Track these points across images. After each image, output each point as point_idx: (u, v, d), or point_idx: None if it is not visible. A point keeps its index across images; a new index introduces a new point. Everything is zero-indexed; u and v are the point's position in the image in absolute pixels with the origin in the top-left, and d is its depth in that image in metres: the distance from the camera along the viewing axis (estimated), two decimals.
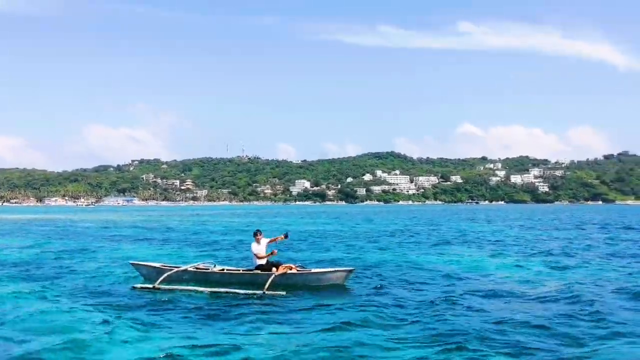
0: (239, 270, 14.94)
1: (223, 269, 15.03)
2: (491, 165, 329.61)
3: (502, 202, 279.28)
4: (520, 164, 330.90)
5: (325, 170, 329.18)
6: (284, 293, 12.77)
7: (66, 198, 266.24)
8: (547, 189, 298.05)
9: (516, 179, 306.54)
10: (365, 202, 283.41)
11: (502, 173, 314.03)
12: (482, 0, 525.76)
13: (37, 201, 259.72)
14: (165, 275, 13.97)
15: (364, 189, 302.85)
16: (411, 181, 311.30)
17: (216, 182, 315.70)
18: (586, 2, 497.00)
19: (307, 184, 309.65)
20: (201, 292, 13.06)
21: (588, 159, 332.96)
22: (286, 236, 14.88)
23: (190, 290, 13.19)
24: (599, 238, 32.76)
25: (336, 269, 14.85)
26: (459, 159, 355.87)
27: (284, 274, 13.87)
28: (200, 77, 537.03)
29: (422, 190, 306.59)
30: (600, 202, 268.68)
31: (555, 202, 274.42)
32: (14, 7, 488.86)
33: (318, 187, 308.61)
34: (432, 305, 11.62)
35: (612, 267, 18.22)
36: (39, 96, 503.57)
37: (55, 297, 12.66)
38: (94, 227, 47.87)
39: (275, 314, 10.93)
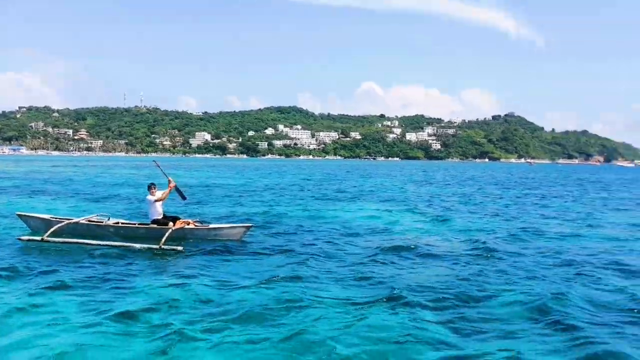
0: (135, 224, 14.70)
1: (117, 222, 14.62)
2: (389, 123, 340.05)
3: (398, 159, 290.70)
4: (416, 123, 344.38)
5: (227, 123, 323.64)
6: (181, 248, 12.60)
7: None
8: (439, 147, 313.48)
9: (411, 136, 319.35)
10: (266, 156, 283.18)
11: (398, 131, 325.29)
12: None
13: None
14: (56, 227, 13.42)
15: (266, 143, 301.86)
16: (312, 136, 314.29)
17: (112, 133, 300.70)
18: None
19: (208, 137, 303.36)
20: (94, 245, 12.70)
21: (478, 119, 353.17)
22: (179, 191, 14.76)
23: (82, 244, 12.77)
24: (495, 194, 35.46)
25: (234, 225, 15.03)
26: (359, 115, 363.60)
27: (181, 228, 13.85)
28: (98, 24, 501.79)
29: (323, 145, 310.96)
30: (486, 160, 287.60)
31: (447, 160, 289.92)
32: None
33: (219, 140, 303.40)
34: (325, 259, 12.19)
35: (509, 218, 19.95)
36: None
37: None
38: None
39: (172, 268, 10.93)
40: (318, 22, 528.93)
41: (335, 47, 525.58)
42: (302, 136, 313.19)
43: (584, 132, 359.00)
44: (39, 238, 12.94)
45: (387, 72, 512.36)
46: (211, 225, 14.74)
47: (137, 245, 12.79)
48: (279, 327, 7.36)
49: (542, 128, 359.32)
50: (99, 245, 12.79)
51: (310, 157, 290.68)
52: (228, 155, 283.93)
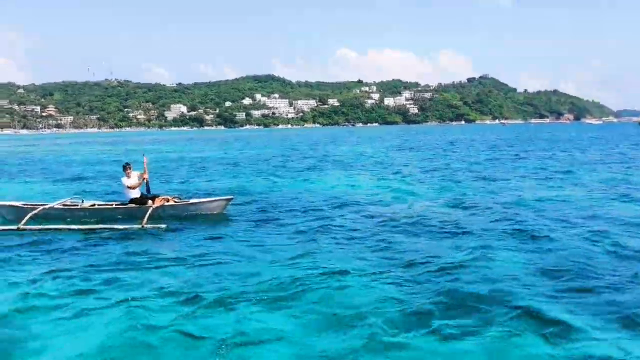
0: (112, 204, 14.13)
1: (94, 204, 14.06)
2: (367, 89, 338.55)
3: (376, 124, 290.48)
4: (393, 87, 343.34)
5: (203, 94, 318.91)
6: (164, 226, 12.24)
7: None
8: (417, 111, 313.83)
9: (389, 101, 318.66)
10: (245, 127, 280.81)
11: (376, 96, 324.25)
12: None
13: None
14: (31, 214, 12.76)
15: (244, 114, 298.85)
16: (290, 105, 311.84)
17: (83, 108, 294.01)
18: None
19: (184, 109, 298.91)
20: (74, 230, 12.17)
21: (454, 82, 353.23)
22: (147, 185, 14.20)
23: (61, 230, 12.21)
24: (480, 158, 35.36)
25: (214, 198, 14.64)
26: (336, 82, 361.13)
27: (161, 206, 13.42)
28: None
29: (301, 113, 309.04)
30: (462, 122, 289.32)
31: (424, 123, 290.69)
32: None
33: (195, 112, 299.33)
34: (310, 232, 11.85)
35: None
36: None
37: None
38: None
39: (156, 247, 10.53)
40: None
41: (309, 11, 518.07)
42: (280, 105, 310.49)
43: (555, 92, 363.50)
44: (14, 227, 12.30)
45: (362, 36, 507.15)
46: (191, 201, 14.34)
47: (119, 226, 12.34)
48: (289, 301, 7.18)
49: (515, 89, 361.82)
50: (79, 229, 12.24)
51: (289, 126, 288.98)
52: (206, 128, 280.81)
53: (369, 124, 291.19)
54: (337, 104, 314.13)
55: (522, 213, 13.39)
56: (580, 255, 9.20)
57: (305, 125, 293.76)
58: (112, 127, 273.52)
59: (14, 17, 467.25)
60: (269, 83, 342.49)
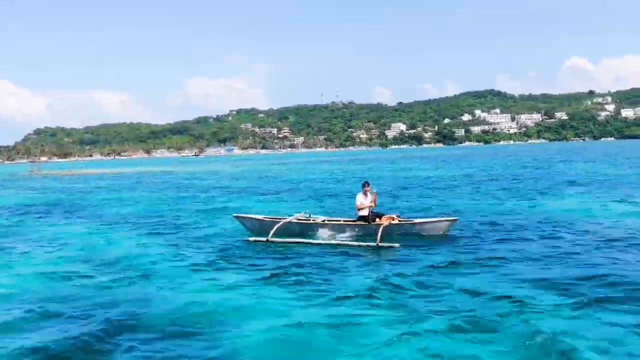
0: (340, 220, 15.04)
1: (324, 220, 15.14)
2: (600, 99, 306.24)
3: (612, 138, 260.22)
4: (633, 97, 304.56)
5: (422, 112, 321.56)
6: (398, 245, 12.63)
7: (171, 150, 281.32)
8: None
9: (628, 113, 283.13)
10: (464, 144, 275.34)
11: (611, 107, 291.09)
12: None
13: (144, 153, 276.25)
14: (276, 227, 14.13)
15: (463, 130, 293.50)
16: (512, 119, 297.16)
17: (312, 129, 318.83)
18: None
19: (403, 127, 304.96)
20: (313, 244, 13.29)
21: None
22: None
23: (302, 243, 13.43)
24: None
25: (439, 219, 14.64)
26: (563, 94, 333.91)
27: (389, 225, 13.75)
28: (292, 25, 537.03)
29: (525, 128, 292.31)
30: None
31: None
32: None
33: (414, 130, 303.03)
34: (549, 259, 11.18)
35: None
36: (142, 53, 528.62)
37: (181, 253, 13.23)
38: (209, 180, 50.25)
39: (402, 268, 10.67)
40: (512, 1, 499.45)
41: (531, 23, 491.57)
42: (501, 120, 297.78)
43: None
44: (264, 239, 13.82)
45: (595, 44, 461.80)
46: (416, 220, 14.56)
47: (355, 243, 13.15)
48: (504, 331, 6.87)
49: None
50: (319, 244, 13.30)
51: (512, 142, 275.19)
52: (424, 145, 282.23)
53: (602, 139, 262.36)
54: (565, 117, 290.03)
55: None
56: None
57: (530, 140, 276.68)
58: (338, 147, 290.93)
59: (259, 51, 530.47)
60: (489, 98, 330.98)
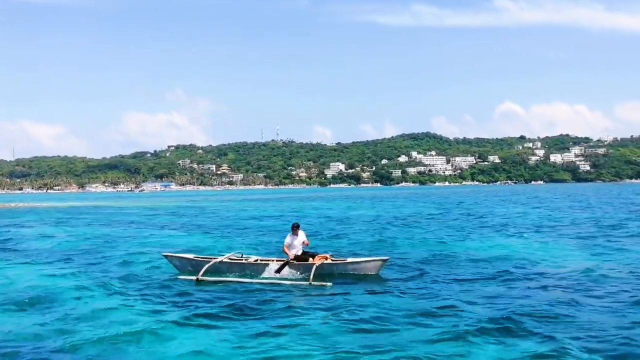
0: (273, 260, 14.85)
1: (257, 260, 15.01)
2: (530, 145, 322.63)
3: (541, 182, 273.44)
4: (561, 143, 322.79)
5: (360, 152, 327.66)
6: (330, 284, 12.66)
7: (106, 184, 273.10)
8: (588, 168, 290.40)
9: (556, 158, 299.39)
10: (400, 184, 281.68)
11: (541, 152, 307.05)
12: None
13: (78, 188, 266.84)
14: (206, 266, 13.92)
15: (400, 171, 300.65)
16: (447, 162, 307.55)
17: (251, 167, 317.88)
18: None
19: (342, 167, 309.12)
20: (245, 282, 13.15)
21: (632, 135, 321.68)
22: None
23: (232, 282, 13.26)
24: None
25: (371, 258, 14.81)
26: (496, 138, 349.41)
27: (322, 264, 13.72)
28: (233, 62, 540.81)
29: (459, 171, 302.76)
30: None
31: (597, 181, 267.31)
32: None
33: (353, 170, 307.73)
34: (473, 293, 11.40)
35: None
36: (78, 86, 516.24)
37: (107, 289, 12.80)
38: (141, 214, 48.91)
39: (323, 304, 10.84)
40: (450, 44, 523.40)
41: (468, 67, 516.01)
42: (437, 162, 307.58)
43: None
44: (194, 278, 13.55)
45: (526, 90, 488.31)
46: (348, 260, 14.65)
47: (287, 282, 13.06)
48: None
49: None
50: (251, 282, 13.15)
51: (447, 183, 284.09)
52: (362, 185, 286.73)
53: (532, 182, 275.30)
54: (497, 160, 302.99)
55: None
56: None
57: (464, 182, 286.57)
58: (277, 184, 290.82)
59: (201, 88, 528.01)
60: (425, 140, 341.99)
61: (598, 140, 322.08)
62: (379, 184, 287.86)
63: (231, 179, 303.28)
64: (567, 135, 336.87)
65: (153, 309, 10.60)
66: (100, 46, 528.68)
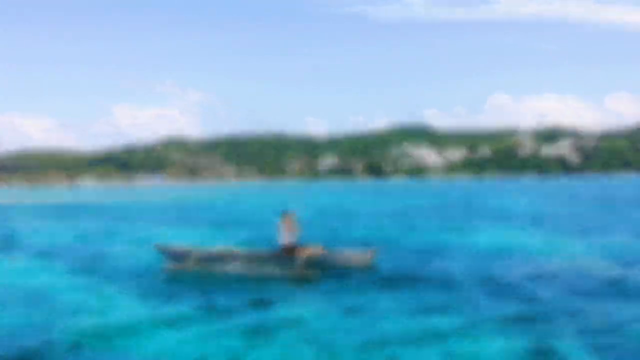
0: (262, 251, 14.86)
1: (246, 252, 14.96)
2: (520, 137, 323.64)
3: (532, 175, 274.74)
4: (551, 134, 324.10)
5: (352, 145, 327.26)
6: (319, 275, 12.84)
7: (96, 178, 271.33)
8: (578, 160, 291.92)
9: (547, 149, 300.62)
10: (392, 177, 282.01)
11: (531, 144, 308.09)
12: None
13: (68, 182, 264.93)
14: (194, 256, 14.14)
15: (392, 164, 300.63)
16: (439, 154, 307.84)
17: (243, 159, 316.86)
18: None
19: (334, 160, 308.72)
20: (231, 271, 13.34)
21: (621, 126, 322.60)
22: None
23: (219, 271, 13.48)
24: None
25: (358, 250, 14.97)
26: (487, 130, 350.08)
27: (309, 255, 13.83)
28: (224, 54, 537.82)
29: (450, 163, 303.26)
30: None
31: (586, 173, 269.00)
32: None
33: (345, 163, 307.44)
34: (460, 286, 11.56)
35: None
36: (69, 78, 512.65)
37: (92, 280, 12.91)
38: (131, 209, 48.81)
39: (306, 294, 11.07)
40: (442, 38, 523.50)
41: (459, 61, 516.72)
42: (428, 155, 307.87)
43: None
44: (181, 267, 13.71)
45: (516, 83, 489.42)
46: (338, 251, 14.73)
47: (276, 274, 13.20)
48: None
49: None
50: (238, 273, 13.30)
51: (438, 176, 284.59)
52: (354, 178, 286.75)
53: (523, 175, 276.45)
54: (488, 153, 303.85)
55: None
56: None
57: (455, 175, 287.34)
58: (269, 177, 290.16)
59: (192, 80, 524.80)
60: (416, 132, 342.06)
61: (588, 132, 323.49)
62: (371, 177, 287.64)
63: (223, 171, 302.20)
64: (558, 126, 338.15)
65: (143, 303, 10.69)
66: (89, 38, 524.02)
